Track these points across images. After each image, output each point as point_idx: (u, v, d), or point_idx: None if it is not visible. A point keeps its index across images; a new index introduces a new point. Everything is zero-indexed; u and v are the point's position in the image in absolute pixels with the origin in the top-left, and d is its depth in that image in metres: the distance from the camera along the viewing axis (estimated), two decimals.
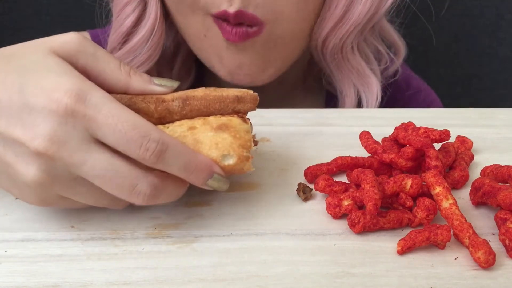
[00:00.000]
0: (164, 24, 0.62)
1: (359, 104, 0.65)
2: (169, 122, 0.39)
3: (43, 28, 1.00)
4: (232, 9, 0.53)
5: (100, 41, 0.67)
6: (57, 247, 0.37)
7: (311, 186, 0.43)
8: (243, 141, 0.37)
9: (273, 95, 0.71)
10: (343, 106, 0.65)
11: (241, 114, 0.40)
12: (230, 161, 0.37)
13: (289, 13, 0.56)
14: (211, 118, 0.38)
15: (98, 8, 0.67)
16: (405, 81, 0.73)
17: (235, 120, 0.38)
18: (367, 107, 0.64)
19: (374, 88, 0.63)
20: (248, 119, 0.41)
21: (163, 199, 0.36)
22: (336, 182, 0.42)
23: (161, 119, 0.39)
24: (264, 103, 0.70)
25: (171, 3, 0.59)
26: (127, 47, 0.63)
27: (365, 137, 0.46)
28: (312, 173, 0.44)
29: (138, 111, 0.38)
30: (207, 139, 0.37)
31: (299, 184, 0.43)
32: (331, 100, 0.71)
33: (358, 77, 0.64)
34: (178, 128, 0.38)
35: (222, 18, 0.55)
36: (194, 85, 0.71)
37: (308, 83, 0.72)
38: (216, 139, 0.37)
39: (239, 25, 0.55)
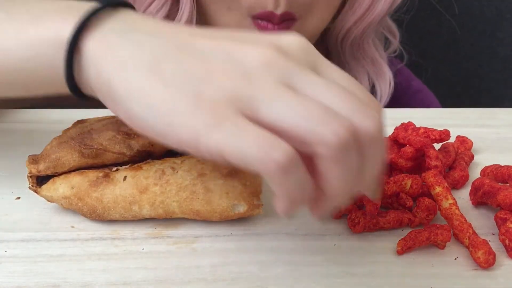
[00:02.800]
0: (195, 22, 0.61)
1: (372, 92, 0.67)
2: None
3: None
4: (278, 11, 0.54)
5: None
6: (57, 247, 0.37)
7: None
8: (253, 188, 0.38)
9: None
10: None
11: None
12: (240, 210, 0.38)
13: (320, 9, 0.58)
14: None
15: None
16: (406, 82, 0.74)
17: None
18: (380, 94, 0.66)
19: (386, 75, 0.66)
20: None
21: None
22: None
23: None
24: None
25: (208, 2, 0.58)
26: None
27: None
28: None
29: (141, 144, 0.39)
30: (217, 188, 0.37)
31: None
32: None
33: (372, 66, 0.66)
34: (187, 175, 0.38)
35: (265, 19, 0.55)
36: None
37: None
38: (226, 188, 0.37)
39: (280, 23, 0.56)
